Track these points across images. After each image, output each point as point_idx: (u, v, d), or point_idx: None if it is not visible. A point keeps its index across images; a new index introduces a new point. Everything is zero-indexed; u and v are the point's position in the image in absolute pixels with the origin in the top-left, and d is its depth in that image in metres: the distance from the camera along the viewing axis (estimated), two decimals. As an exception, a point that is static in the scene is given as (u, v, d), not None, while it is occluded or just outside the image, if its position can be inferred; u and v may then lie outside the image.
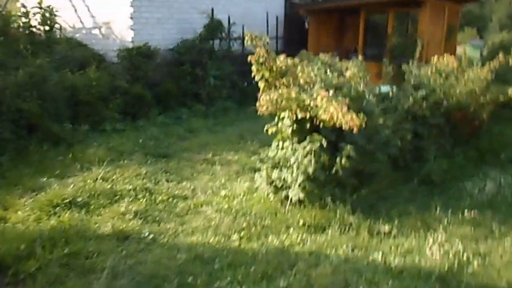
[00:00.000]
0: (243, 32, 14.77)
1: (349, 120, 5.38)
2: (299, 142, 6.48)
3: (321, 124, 6.15)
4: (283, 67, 6.49)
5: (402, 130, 8.08)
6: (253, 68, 6.49)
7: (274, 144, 7.11)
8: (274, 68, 6.42)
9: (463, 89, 9.11)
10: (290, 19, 18.47)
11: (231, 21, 14.87)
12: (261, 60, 6.34)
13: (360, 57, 9.04)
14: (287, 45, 17.55)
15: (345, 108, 5.54)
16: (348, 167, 6.33)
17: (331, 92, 6.48)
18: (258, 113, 5.95)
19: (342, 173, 6.41)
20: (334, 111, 5.51)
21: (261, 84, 6.56)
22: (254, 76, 6.70)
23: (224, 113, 13.01)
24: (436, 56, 9.94)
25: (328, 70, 7.90)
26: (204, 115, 12.55)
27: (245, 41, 6.56)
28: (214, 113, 12.83)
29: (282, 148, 6.86)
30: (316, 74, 7.33)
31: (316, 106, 5.82)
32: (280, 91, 5.91)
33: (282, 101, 5.83)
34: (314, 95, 5.95)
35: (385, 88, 9.38)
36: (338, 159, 6.32)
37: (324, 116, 5.71)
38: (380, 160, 7.07)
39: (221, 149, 9.61)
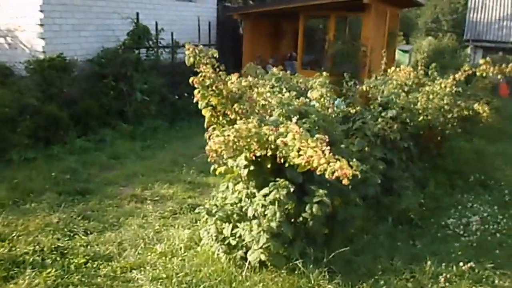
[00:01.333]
0: (172, 40, 13.32)
1: (337, 169, 3.86)
2: (258, 187, 4.97)
3: (286, 163, 4.63)
4: (237, 91, 4.93)
5: (371, 159, 6.79)
6: (196, 92, 4.89)
7: (222, 186, 5.57)
8: (225, 93, 4.84)
9: (430, 105, 8.06)
10: (224, 24, 17.13)
11: (159, 27, 13.07)
12: (207, 82, 4.76)
13: (298, 64, 7.73)
14: (220, 53, 15.96)
15: (327, 152, 4.04)
16: (319, 215, 4.94)
17: (294, 119, 5.06)
18: (209, 160, 4.36)
19: (312, 223, 5.02)
20: (314, 156, 3.98)
21: (207, 113, 4.96)
22: (190, 89, 5.13)
23: (154, 133, 11.33)
24: (392, 68, 9.14)
25: (285, 89, 6.54)
26: (130, 136, 10.80)
27: (186, 59, 4.93)
28: (142, 134, 11.14)
29: (234, 192, 5.33)
30: (272, 94, 5.88)
31: (285, 144, 4.30)
32: (236, 126, 4.31)
33: (239, 140, 4.25)
34: (282, 130, 4.43)
35: (336, 102, 8.05)
36: (308, 207, 4.91)
37: (298, 160, 4.17)
38: (356, 203, 5.69)
39: (152, 181, 7.99)
